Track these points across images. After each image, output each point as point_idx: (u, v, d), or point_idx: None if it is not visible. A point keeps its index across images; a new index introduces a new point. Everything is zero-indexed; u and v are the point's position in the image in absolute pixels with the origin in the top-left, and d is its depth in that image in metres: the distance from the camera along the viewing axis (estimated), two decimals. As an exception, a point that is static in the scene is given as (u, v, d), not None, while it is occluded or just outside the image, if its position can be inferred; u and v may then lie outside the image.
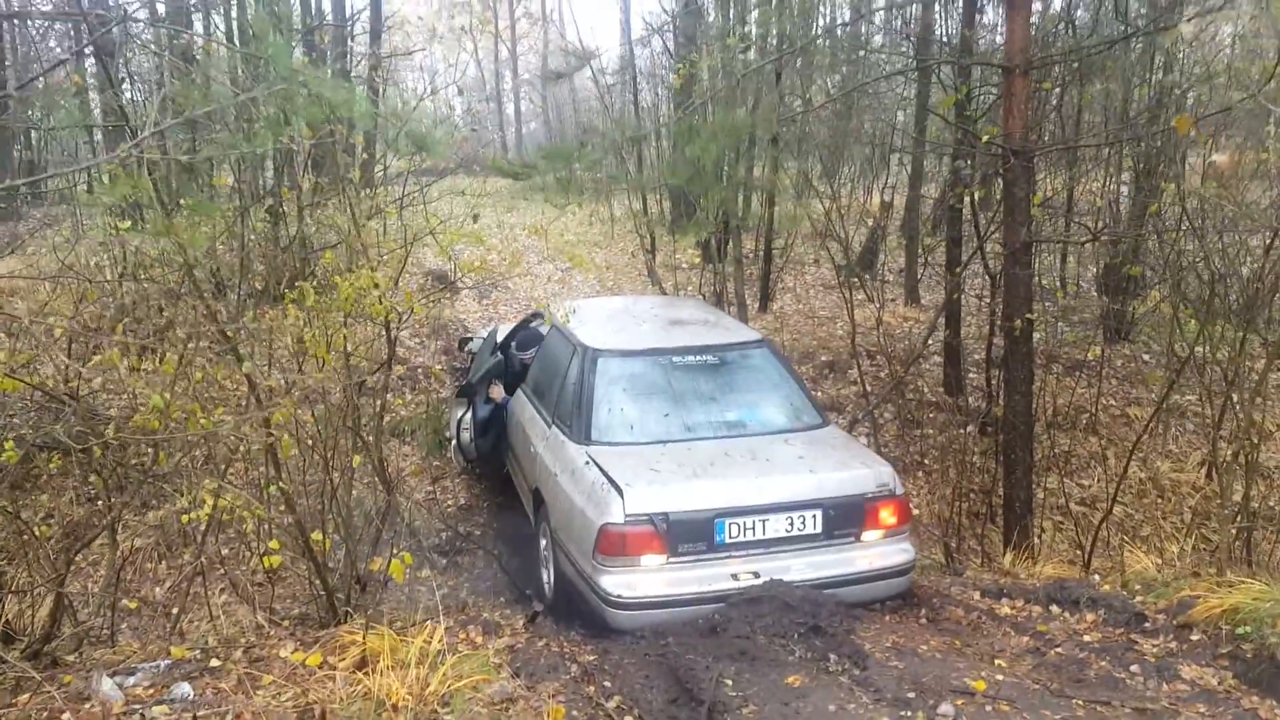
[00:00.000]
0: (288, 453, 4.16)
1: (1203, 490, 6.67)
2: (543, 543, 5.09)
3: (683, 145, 6.46)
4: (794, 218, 10.17)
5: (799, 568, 4.22)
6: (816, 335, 10.66)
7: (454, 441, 6.36)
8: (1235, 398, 5.62)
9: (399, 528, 5.06)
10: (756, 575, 4.17)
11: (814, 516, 4.29)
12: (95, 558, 5.07)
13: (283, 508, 4.30)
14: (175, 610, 4.44)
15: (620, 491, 4.15)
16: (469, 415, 6.22)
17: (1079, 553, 5.84)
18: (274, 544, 4.35)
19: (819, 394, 9.05)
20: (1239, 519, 5.45)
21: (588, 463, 4.49)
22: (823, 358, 9.83)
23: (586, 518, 4.26)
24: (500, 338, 6.97)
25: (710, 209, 9.42)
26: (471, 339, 7.47)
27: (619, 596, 4.09)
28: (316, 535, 4.24)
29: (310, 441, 4.40)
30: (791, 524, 4.26)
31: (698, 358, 5.20)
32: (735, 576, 4.17)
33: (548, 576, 4.99)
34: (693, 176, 7.17)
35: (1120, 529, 6.36)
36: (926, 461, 7.61)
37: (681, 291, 10.64)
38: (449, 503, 6.54)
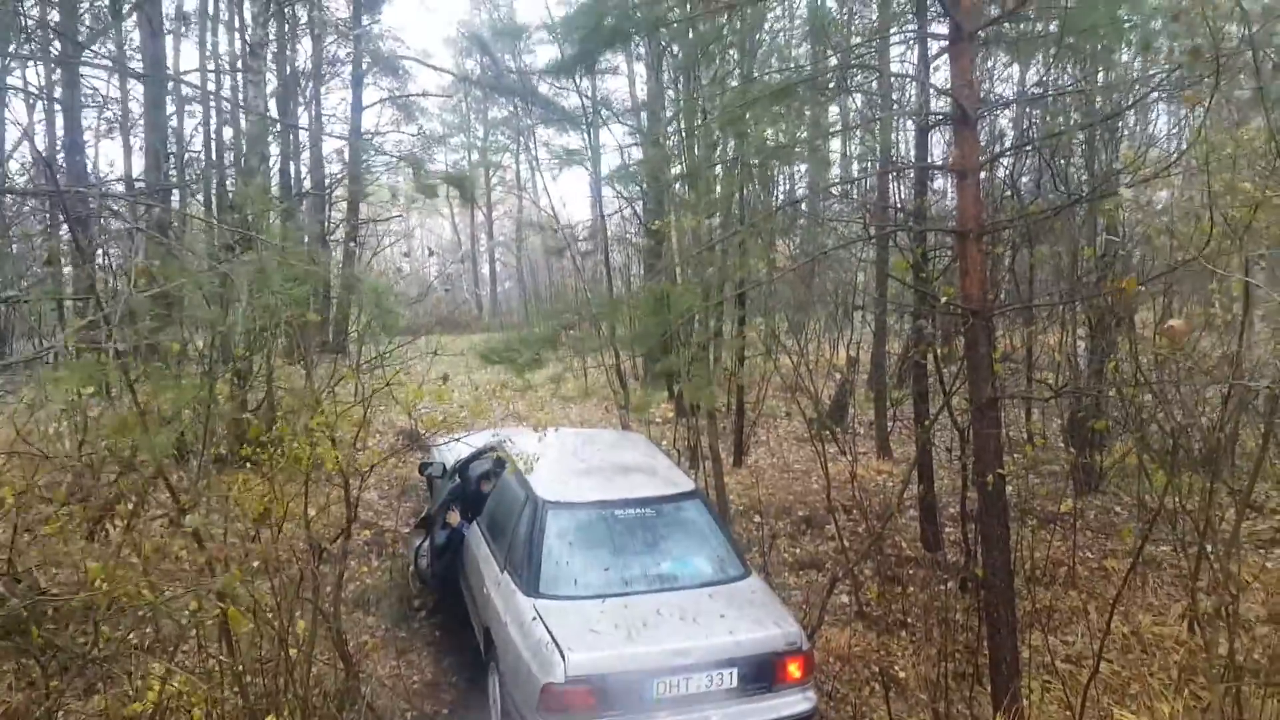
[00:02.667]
0: (241, 628, 3.97)
1: (1186, 644, 6.52)
2: (491, 680, 5.38)
3: (649, 314, 6.71)
4: (765, 378, 10.35)
5: (717, 719, 4.65)
6: (792, 490, 10.60)
7: (411, 568, 6.61)
8: (1209, 549, 5.60)
9: (360, 708, 4.78)
10: None
11: (731, 673, 4.75)
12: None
13: (235, 689, 4.06)
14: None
15: (563, 654, 4.52)
16: (426, 543, 6.55)
17: (1069, 714, 5.62)
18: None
19: (798, 550, 8.91)
20: (1226, 676, 5.32)
21: (534, 619, 4.83)
22: (800, 513, 9.75)
23: (532, 674, 4.59)
24: (458, 457, 7.23)
25: (682, 370, 9.57)
26: (431, 463, 7.60)
27: None
28: (270, 719, 3.99)
29: (266, 615, 4.21)
30: (711, 680, 4.71)
31: (637, 511, 5.63)
32: None
33: (495, 714, 5.30)
34: (660, 344, 7.38)
35: (1109, 687, 6.16)
36: (909, 620, 7.42)
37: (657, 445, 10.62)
38: (414, 678, 6.20)
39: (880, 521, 7.86)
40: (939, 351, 7.77)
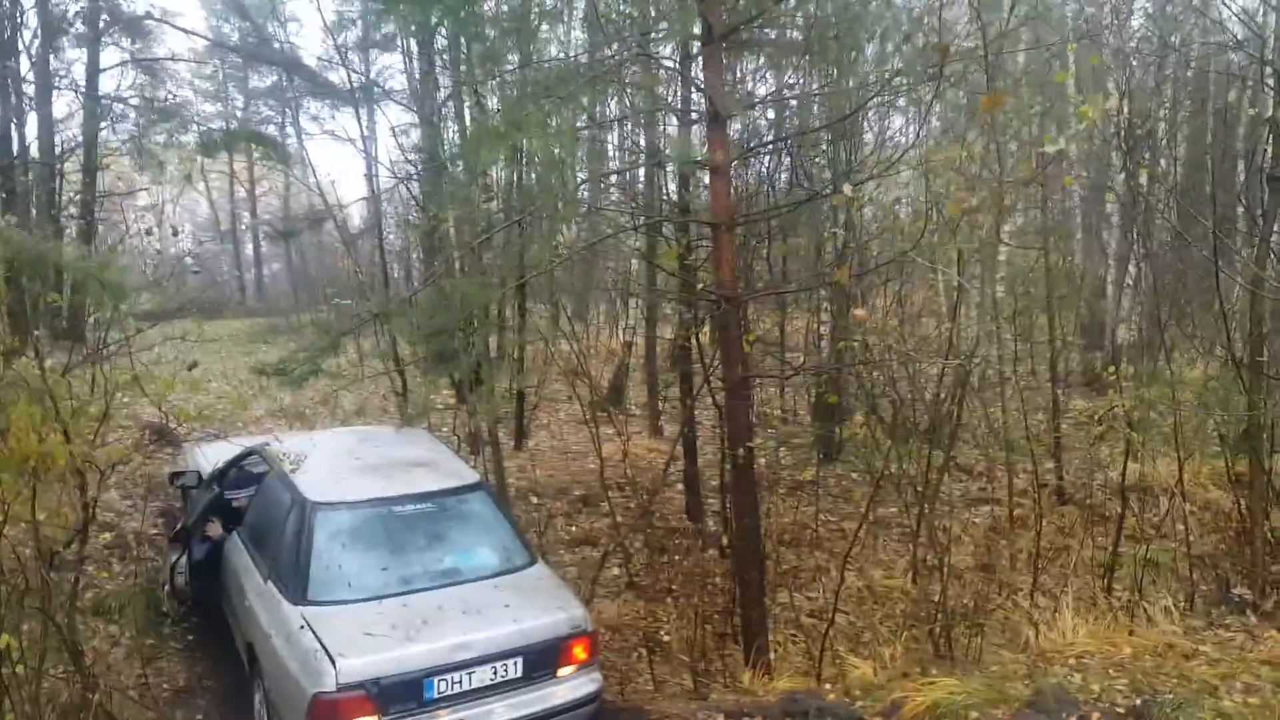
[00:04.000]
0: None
1: (910, 594, 7.41)
2: (256, 699, 5.04)
3: (434, 312, 6.62)
4: (546, 365, 10.48)
5: (500, 711, 4.55)
6: (570, 470, 10.88)
7: (167, 587, 6.10)
8: (928, 508, 6.40)
9: (97, 721, 4.44)
10: None
11: (515, 663, 4.64)
12: None
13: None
14: None
15: (333, 660, 4.27)
16: (184, 558, 6.02)
17: (811, 663, 6.23)
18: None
19: (574, 528, 9.18)
20: (938, 618, 6.12)
21: (302, 627, 4.55)
22: (576, 492, 10.02)
23: (300, 685, 4.33)
24: (214, 466, 6.68)
25: (462, 360, 9.49)
26: (184, 472, 6.93)
27: None
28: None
29: (-16, 627, 3.85)
30: (495, 672, 4.59)
31: (417, 506, 5.37)
32: None
33: None
34: (443, 340, 7.31)
35: (844, 636, 6.87)
36: (674, 588, 7.87)
37: (437, 431, 10.50)
38: (165, 686, 5.83)
39: (649, 496, 8.27)
40: (703, 335, 8.27)
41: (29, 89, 16.87)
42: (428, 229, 12.01)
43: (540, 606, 4.93)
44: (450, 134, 13.16)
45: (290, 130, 31.13)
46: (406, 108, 17.56)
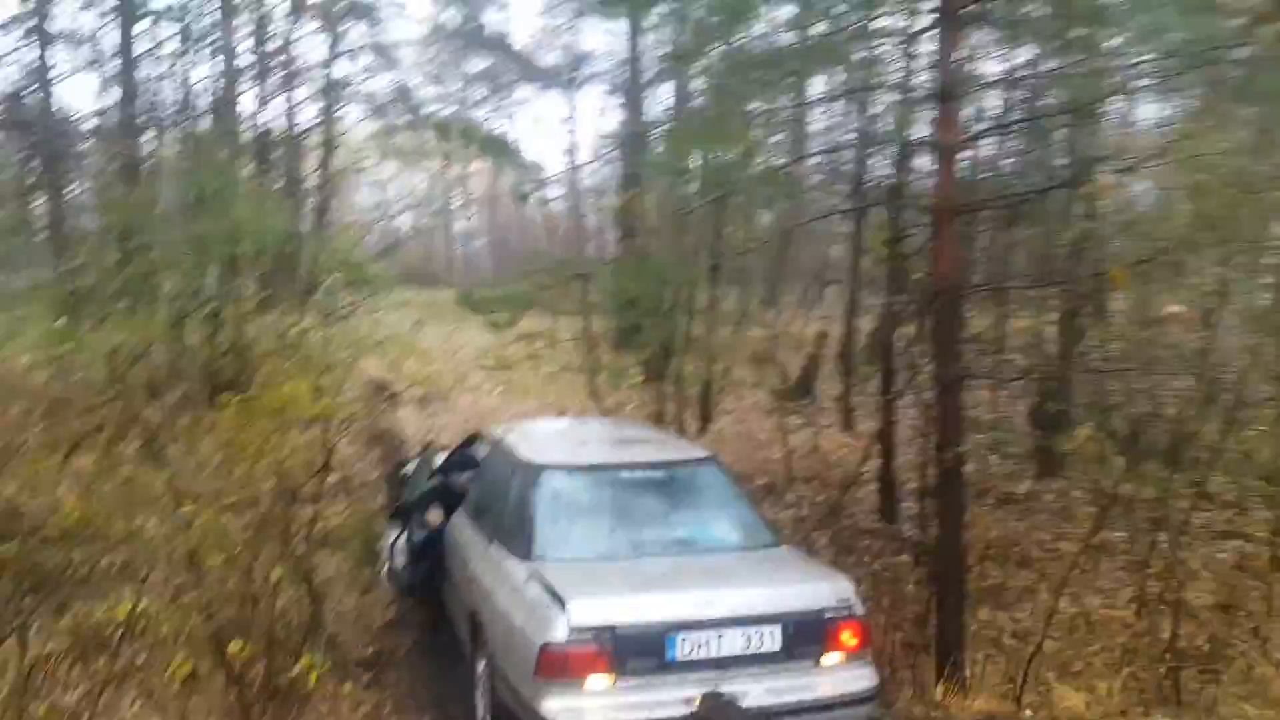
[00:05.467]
0: (211, 560, 4.00)
1: (1132, 627, 6.75)
2: (479, 670, 4.70)
3: (625, 281, 6.66)
4: (726, 345, 10.39)
5: (756, 693, 3.97)
6: (754, 458, 10.73)
7: (385, 567, 6.02)
8: (1161, 537, 5.78)
9: (321, 641, 4.81)
10: (717, 698, 3.91)
11: (772, 632, 4.04)
12: (4, 659, 4.72)
13: (203, 616, 4.10)
14: (86, 718, 4.11)
15: (563, 604, 3.86)
16: (404, 539, 5.88)
17: (1010, 686, 5.82)
18: (179, 655, 4.13)
19: (756, 518, 9.04)
20: (1167, 658, 5.53)
21: (529, 579, 4.22)
22: (760, 481, 9.87)
23: (526, 636, 3.97)
24: (438, 461, 6.68)
25: (653, 337, 9.60)
26: (407, 463, 7.14)
27: None
28: (235, 645, 4.03)
29: (237, 548, 4.23)
30: (749, 640, 4.00)
31: (644, 474, 5.04)
32: (689, 701, 3.89)
33: (483, 710, 4.61)
34: (637, 313, 7.36)
35: (1052, 664, 6.36)
36: (861, 589, 7.59)
37: (624, 408, 10.69)
38: (376, 617, 6.25)
39: (840, 491, 8.01)
40: (909, 328, 7.87)
41: (276, 73, 18.51)
42: (625, 207, 12.19)
43: (799, 574, 4.48)
44: (655, 114, 13.27)
45: (501, 111, 32.59)
46: (611, 89, 17.89)
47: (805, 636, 4.09)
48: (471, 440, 6.62)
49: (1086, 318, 8.28)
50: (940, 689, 5.72)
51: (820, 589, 4.26)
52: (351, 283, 7.76)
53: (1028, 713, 5.18)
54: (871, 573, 7.79)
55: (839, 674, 4.15)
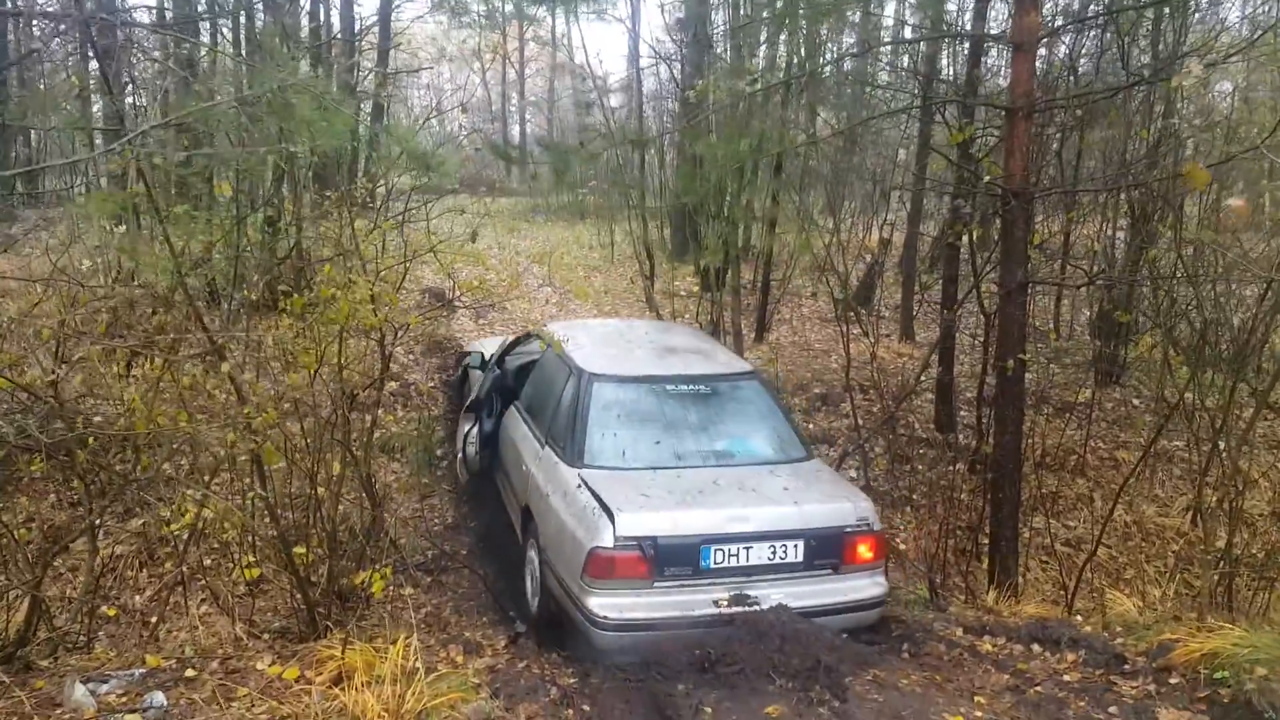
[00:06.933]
0: (274, 462, 4.15)
1: (1187, 536, 6.67)
2: (530, 558, 5.15)
3: (689, 153, 6.48)
4: (803, 246, 10.17)
5: (779, 597, 4.30)
6: (811, 367, 10.68)
7: (460, 455, 6.43)
8: (1222, 445, 5.64)
9: (383, 544, 5.03)
10: (743, 599, 4.25)
11: (796, 546, 4.40)
12: (75, 564, 5.02)
13: (266, 519, 4.28)
14: (154, 619, 4.39)
15: (611, 516, 4.22)
16: (475, 430, 6.26)
17: (1062, 593, 5.83)
18: (249, 558, 4.34)
19: (812, 426, 9.05)
20: (1221, 565, 5.46)
21: (579, 485, 4.57)
22: (816, 390, 9.84)
23: (576, 540, 4.33)
24: (491, 352, 7.05)
25: (711, 239, 9.45)
26: (469, 353, 7.53)
27: (605, 618, 4.16)
28: (299, 549, 4.22)
29: (298, 453, 4.39)
30: (774, 552, 4.37)
31: (690, 387, 5.30)
32: (718, 603, 4.24)
33: (533, 592, 5.06)
34: (697, 198, 7.22)
35: (1104, 571, 6.35)
36: (915, 497, 7.60)
37: (679, 319, 10.67)
38: (435, 520, 6.49)
39: (896, 401, 7.94)
40: (974, 234, 7.63)
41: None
42: (687, 111, 11.88)
43: (823, 493, 4.73)
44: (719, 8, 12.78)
45: (560, 8, 31.67)
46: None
47: (824, 550, 4.45)
48: (525, 337, 6.88)
49: (1158, 223, 7.90)
50: (992, 594, 5.77)
51: (841, 508, 4.57)
52: (412, 173, 7.74)
53: (1078, 617, 5.19)
54: (926, 480, 7.79)
55: (853, 581, 4.51)
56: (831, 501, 4.62)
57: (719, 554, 4.29)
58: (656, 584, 4.22)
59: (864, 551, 4.52)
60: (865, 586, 4.54)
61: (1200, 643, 4.10)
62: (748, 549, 4.33)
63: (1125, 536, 6.93)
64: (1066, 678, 4.02)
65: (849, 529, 4.49)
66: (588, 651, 4.22)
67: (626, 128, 13.96)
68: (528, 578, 5.19)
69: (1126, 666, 4.11)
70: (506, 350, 6.89)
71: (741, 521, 4.35)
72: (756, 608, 4.21)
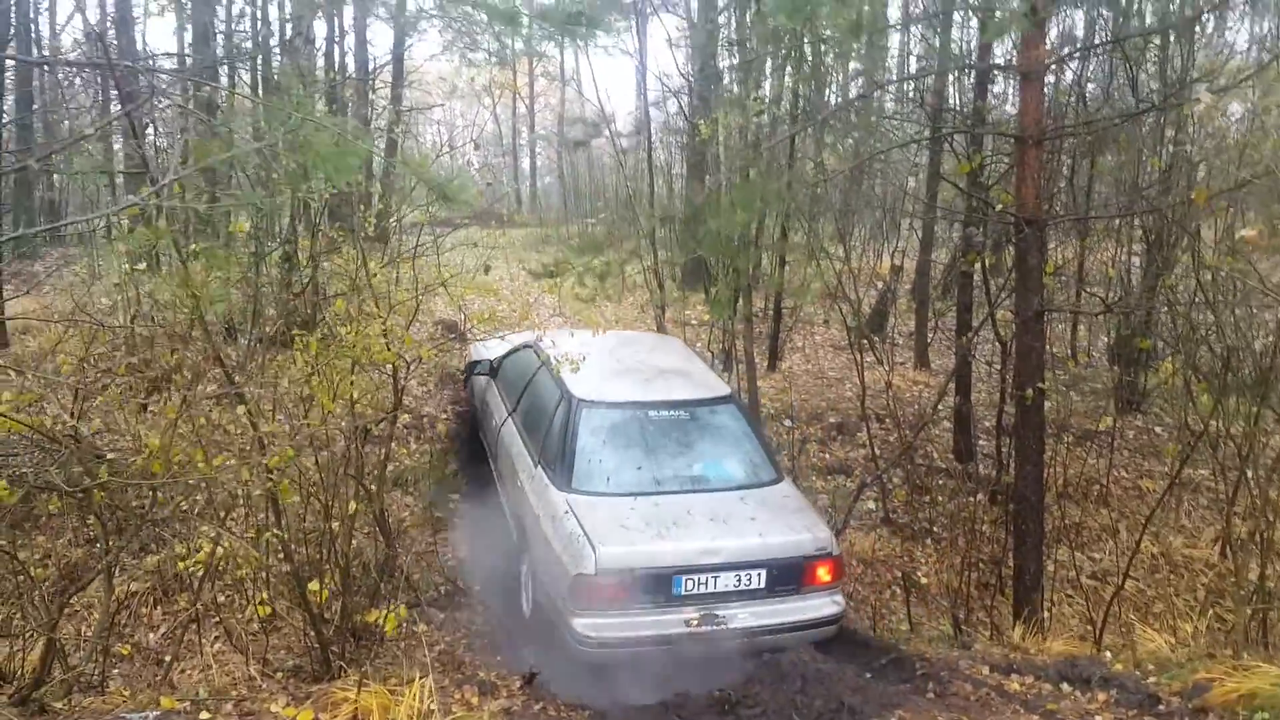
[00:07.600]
0: (288, 499, 4.13)
1: (1217, 568, 6.53)
2: (523, 568, 5.56)
3: (702, 220, 6.56)
4: (805, 287, 10.25)
5: (742, 617, 4.74)
6: (825, 396, 10.60)
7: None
8: (1250, 474, 5.54)
9: (397, 580, 4.99)
10: (712, 619, 4.69)
11: (759, 574, 4.83)
12: (90, 601, 4.99)
13: (280, 556, 4.25)
14: (168, 658, 4.35)
15: (594, 547, 4.63)
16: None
17: (1090, 628, 5.70)
18: (263, 595, 4.31)
19: (828, 456, 8.97)
20: (1255, 600, 5.33)
21: (567, 512, 4.95)
22: (831, 419, 9.76)
23: (563, 565, 4.72)
24: (496, 354, 7.42)
25: (723, 273, 9.42)
26: (478, 362, 7.73)
27: (587, 637, 4.60)
28: (313, 585, 4.18)
29: (312, 489, 4.36)
30: (739, 580, 4.80)
31: (671, 413, 5.67)
32: (689, 622, 4.67)
33: (526, 598, 5.47)
34: (711, 245, 7.26)
35: (1132, 605, 6.21)
36: (935, 529, 7.50)
37: (691, 347, 10.63)
38: (449, 555, 6.44)
39: (913, 431, 7.86)
40: (986, 261, 7.60)
41: (349, 10, 18.45)
42: (697, 142, 11.92)
43: (786, 524, 5.08)
44: (726, 40, 12.87)
45: (569, 46, 32.07)
46: (682, 19, 17.39)
47: (785, 577, 4.91)
48: (521, 349, 7.09)
49: (1174, 249, 7.85)
50: (1018, 630, 5.65)
51: (801, 540, 4.98)
52: (425, 205, 7.82)
53: (1108, 654, 5.08)
54: (946, 512, 7.68)
55: (811, 602, 4.95)
56: (793, 534, 5.01)
57: (689, 582, 4.72)
58: (633, 608, 4.66)
59: (822, 574, 4.97)
60: (823, 605, 4.96)
61: (1237, 682, 4.00)
62: (715, 578, 4.76)
63: (1153, 569, 6.79)
64: (1099, 719, 3.92)
65: (809, 556, 4.92)
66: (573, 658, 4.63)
67: (637, 189, 14.10)
68: (522, 584, 5.54)
69: (1161, 707, 4.01)
70: (504, 358, 7.23)
71: (711, 555, 4.76)
72: (724, 626, 4.66)
